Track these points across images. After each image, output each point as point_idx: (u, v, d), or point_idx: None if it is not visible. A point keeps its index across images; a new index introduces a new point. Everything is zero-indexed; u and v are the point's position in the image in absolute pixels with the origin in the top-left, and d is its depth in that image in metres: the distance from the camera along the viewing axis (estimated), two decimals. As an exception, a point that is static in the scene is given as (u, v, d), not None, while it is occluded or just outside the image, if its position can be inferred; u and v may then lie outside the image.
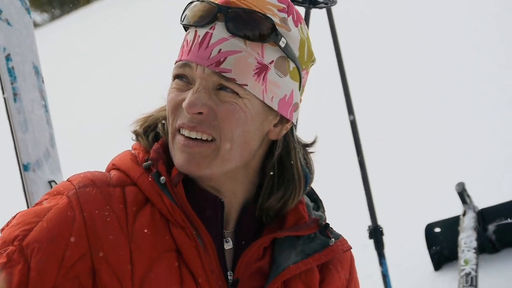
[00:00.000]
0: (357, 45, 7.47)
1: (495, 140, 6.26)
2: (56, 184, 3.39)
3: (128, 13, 14.39)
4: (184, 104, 1.91)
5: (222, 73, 1.89)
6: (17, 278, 1.86)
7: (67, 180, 1.99)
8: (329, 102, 5.30)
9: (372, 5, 11.31)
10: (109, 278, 1.91)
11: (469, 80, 9.08)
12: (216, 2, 1.96)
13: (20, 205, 3.54)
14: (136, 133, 2.01)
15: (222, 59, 1.91)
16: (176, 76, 1.95)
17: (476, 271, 4.04)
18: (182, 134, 1.94)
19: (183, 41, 2.00)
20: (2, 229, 1.94)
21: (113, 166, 2.03)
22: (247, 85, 1.86)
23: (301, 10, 4.30)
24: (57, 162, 3.99)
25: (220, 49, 1.90)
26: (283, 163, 1.96)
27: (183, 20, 2.02)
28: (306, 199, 2.00)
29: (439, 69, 8.76)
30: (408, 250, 4.70)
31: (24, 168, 3.81)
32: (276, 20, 1.87)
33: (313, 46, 4.54)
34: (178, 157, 1.96)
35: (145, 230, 1.96)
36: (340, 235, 2.01)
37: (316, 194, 2.05)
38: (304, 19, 4.37)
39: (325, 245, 1.99)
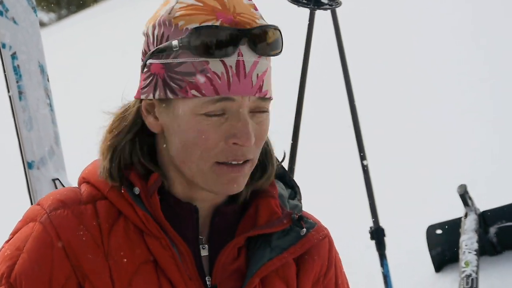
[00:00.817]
0: (360, 46, 7.34)
1: (498, 141, 6.23)
2: (60, 182, 3.94)
3: (134, 13, 14.37)
4: (243, 141, 1.91)
5: (265, 97, 1.91)
6: None
7: (37, 204, 2.00)
8: (333, 103, 5.27)
9: (371, 7, 11.11)
10: None
11: (472, 80, 8.99)
12: (226, 25, 1.90)
13: (24, 203, 3.57)
14: (108, 173, 1.97)
15: (261, 84, 1.91)
16: (211, 113, 1.92)
17: (476, 273, 4.06)
18: (224, 163, 1.94)
19: (207, 74, 1.91)
20: None
21: (83, 180, 2.03)
22: (271, 98, 1.92)
23: (306, 11, 4.43)
24: (62, 161, 4.01)
25: (257, 74, 1.90)
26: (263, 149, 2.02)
27: (203, 52, 1.91)
28: (279, 189, 2.02)
29: (441, 70, 8.71)
30: (410, 252, 4.73)
31: (28, 166, 3.86)
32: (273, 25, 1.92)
33: (316, 46, 4.33)
34: (218, 183, 1.96)
35: (121, 245, 1.97)
36: (316, 224, 2.04)
37: (294, 181, 2.09)
38: (309, 20, 4.35)
39: (299, 237, 2.01)
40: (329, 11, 4.50)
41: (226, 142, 1.88)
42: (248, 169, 1.92)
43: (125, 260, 1.94)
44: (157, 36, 1.96)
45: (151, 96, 1.92)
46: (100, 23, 16.06)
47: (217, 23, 1.88)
